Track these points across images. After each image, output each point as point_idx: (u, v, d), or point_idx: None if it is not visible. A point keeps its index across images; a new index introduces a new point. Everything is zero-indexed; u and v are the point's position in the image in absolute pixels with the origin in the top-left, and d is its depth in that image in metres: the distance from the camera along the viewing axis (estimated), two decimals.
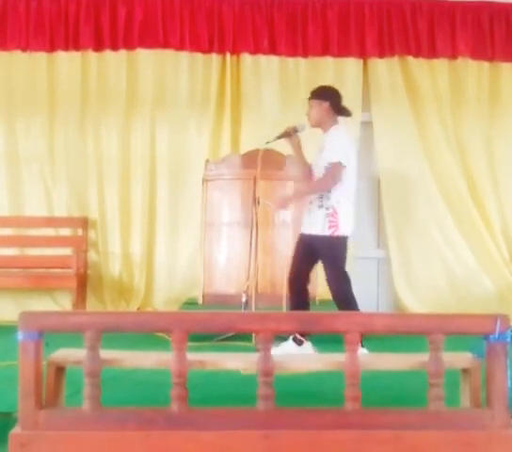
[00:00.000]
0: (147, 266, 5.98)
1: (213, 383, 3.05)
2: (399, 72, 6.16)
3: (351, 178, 4.05)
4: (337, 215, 3.98)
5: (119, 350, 2.67)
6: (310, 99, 4.12)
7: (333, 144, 4.00)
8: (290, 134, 4.10)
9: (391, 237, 6.13)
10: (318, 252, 4.03)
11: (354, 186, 4.12)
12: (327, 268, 4.04)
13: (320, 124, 4.10)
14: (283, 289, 5.16)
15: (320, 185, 4.03)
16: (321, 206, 3.99)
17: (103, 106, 5.98)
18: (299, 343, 4.03)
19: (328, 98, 4.08)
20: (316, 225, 3.99)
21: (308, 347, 4.01)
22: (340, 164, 3.95)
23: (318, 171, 4.07)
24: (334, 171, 3.95)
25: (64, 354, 2.59)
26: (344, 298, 4.02)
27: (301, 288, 4.13)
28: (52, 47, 5.92)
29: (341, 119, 4.16)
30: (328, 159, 3.98)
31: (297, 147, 4.16)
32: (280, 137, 4.15)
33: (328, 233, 3.95)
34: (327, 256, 4.02)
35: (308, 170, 4.18)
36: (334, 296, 4.05)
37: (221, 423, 2.39)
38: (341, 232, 3.99)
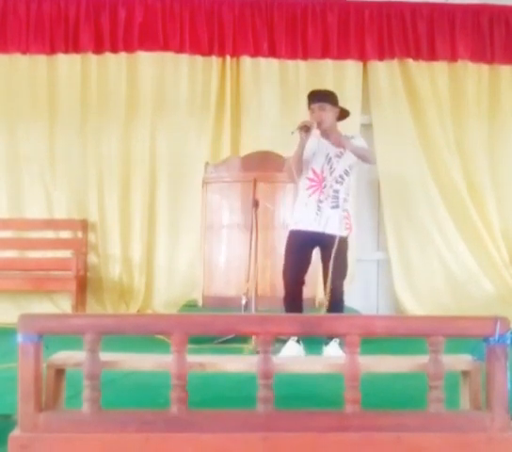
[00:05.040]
0: (147, 268, 5.98)
1: (212, 386, 3.05)
2: (399, 74, 6.16)
3: None
4: (350, 218, 4.09)
5: (118, 353, 2.67)
6: (324, 102, 4.06)
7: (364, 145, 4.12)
8: (309, 128, 4.01)
9: (390, 239, 6.13)
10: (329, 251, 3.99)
11: None
12: (341, 267, 4.01)
13: (330, 128, 4.07)
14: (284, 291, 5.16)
15: (371, 155, 4.17)
16: (337, 207, 4.02)
17: (102, 109, 5.99)
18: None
19: (338, 104, 4.15)
20: (336, 226, 3.98)
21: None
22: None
23: (341, 171, 4.06)
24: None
25: (64, 356, 2.59)
26: (340, 297, 4.06)
27: (301, 291, 4.11)
28: (52, 50, 5.94)
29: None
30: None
31: (304, 143, 4.06)
32: (301, 129, 4.01)
33: (345, 233, 4.01)
34: (342, 255, 4.01)
35: (300, 167, 4.11)
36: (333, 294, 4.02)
37: (221, 425, 2.39)
38: (349, 233, 4.09)
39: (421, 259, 6.10)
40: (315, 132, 4.09)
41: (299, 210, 4.12)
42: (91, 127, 5.99)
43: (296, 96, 6.10)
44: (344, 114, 4.20)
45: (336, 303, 3.98)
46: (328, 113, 4.06)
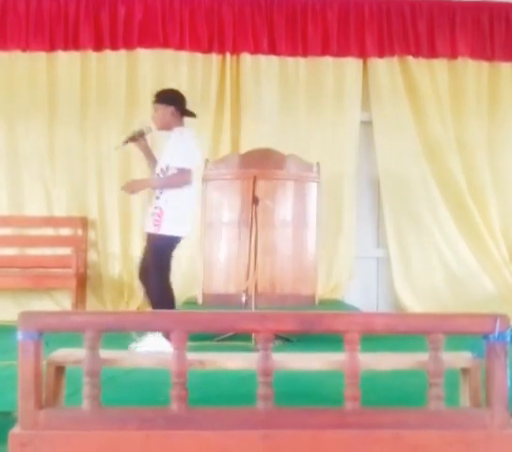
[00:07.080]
0: None
1: (212, 383, 3.05)
2: (399, 71, 6.16)
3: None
4: (163, 215, 4.00)
5: (118, 350, 2.67)
6: (154, 102, 4.20)
7: (178, 147, 4.06)
8: (136, 138, 4.20)
9: (390, 237, 6.13)
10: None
11: (193, 188, 4.15)
12: (149, 264, 4.07)
13: (166, 127, 4.18)
14: (283, 288, 5.17)
15: (169, 183, 4.04)
16: (152, 205, 4.09)
17: (102, 106, 5.98)
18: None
19: (173, 102, 4.18)
20: (148, 223, 4.07)
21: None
22: (188, 170, 4.01)
23: (158, 169, 4.12)
24: (184, 177, 4.00)
25: (64, 354, 2.59)
26: (157, 293, 4.05)
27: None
28: (52, 47, 5.93)
29: (189, 120, 4.28)
30: (174, 162, 4.00)
31: (145, 149, 4.26)
32: (127, 142, 4.21)
33: (152, 230, 4.02)
34: (150, 252, 4.08)
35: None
36: (148, 291, 4.15)
37: (221, 422, 2.39)
38: (163, 231, 4.00)
39: (421, 256, 6.10)
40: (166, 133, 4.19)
41: None
42: (91, 124, 5.99)
43: (295, 93, 6.10)
44: (188, 111, 4.24)
45: (155, 303, 4.00)
46: (159, 113, 4.16)
